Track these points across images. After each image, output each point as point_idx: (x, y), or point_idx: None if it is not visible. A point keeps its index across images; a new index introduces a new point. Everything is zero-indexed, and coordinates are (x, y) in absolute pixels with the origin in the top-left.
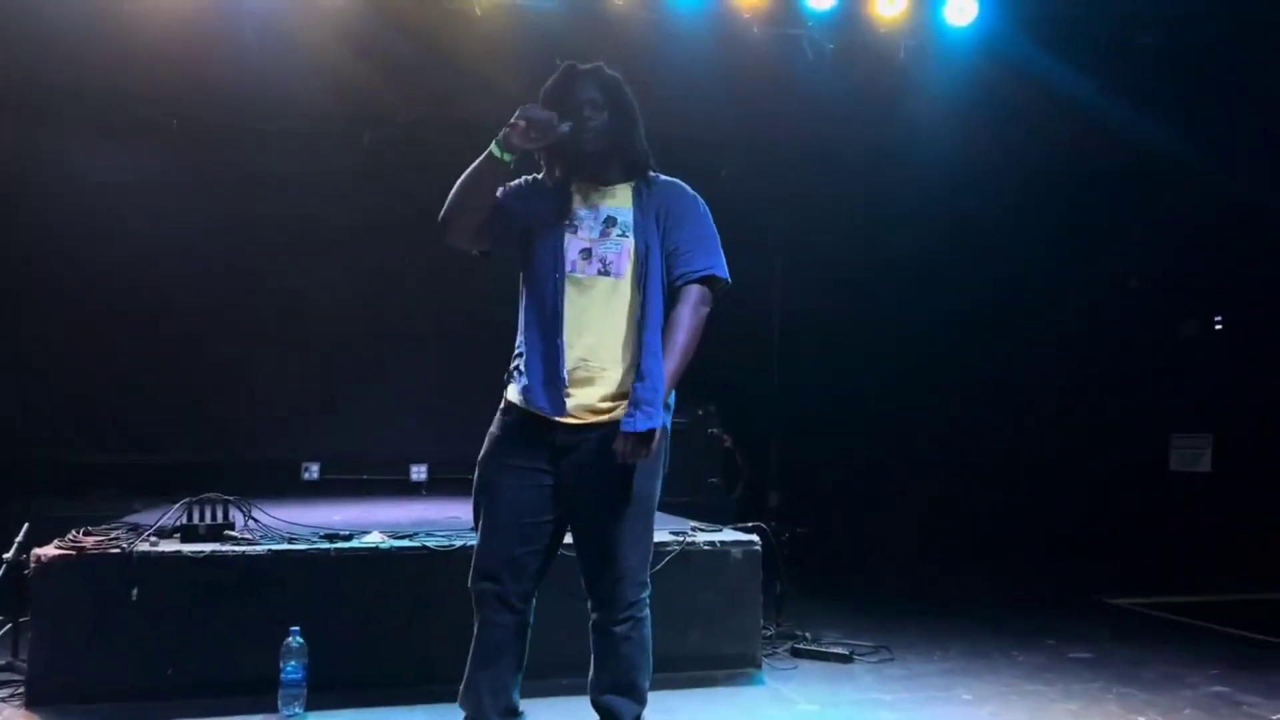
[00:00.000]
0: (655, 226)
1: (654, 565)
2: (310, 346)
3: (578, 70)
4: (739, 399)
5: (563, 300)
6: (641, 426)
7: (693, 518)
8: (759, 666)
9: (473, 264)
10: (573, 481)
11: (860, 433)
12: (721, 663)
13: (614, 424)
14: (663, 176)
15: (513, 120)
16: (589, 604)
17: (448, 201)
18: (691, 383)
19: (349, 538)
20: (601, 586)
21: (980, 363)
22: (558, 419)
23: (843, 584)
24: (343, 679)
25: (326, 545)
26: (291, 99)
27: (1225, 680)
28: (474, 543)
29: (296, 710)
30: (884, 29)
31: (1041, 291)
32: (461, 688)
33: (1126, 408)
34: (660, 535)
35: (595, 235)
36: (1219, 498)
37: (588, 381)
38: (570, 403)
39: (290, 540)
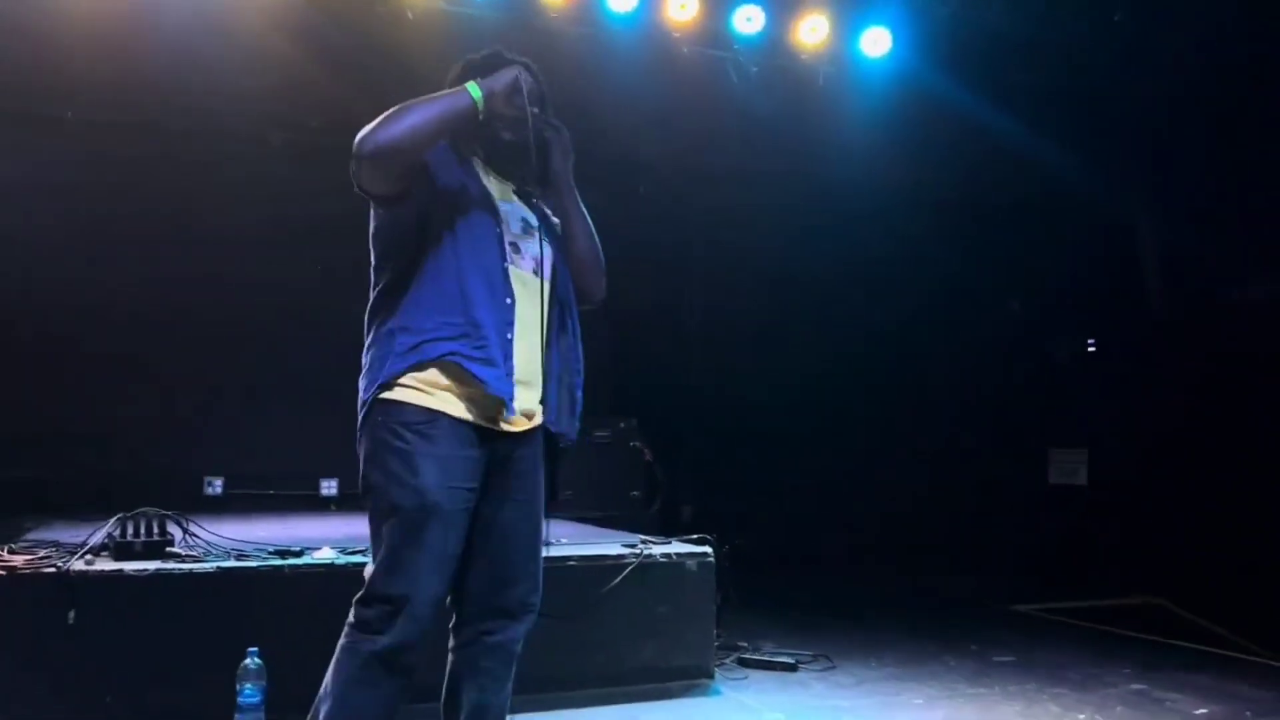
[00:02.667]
0: (554, 237)
1: (614, 579)
2: (212, 355)
3: (506, 59)
4: (655, 413)
5: (510, 289)
6: (573, 437)
7: (612, 531)
8: (712, 677)
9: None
10: (499, 494)
11: (770, 447)
12: (677, 674)
13: (535, 431)
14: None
15: (512, 78)
16: (469, 622)
17: (399, 127)
18: (612, 397)
19: (300, 554)
20: (512, 598)
21: (883, 380)
22: (501, 427)
23: (766, 594)
24: (302, 701)
25: (279, 562)
26: (204, 97)
27: (1140, 679)
28: None
29: None
30: (805, 56)
31: (938, 312)
32: None
33: (1010, 424)
34: (614, 549)
35: (518, 231)
36: (1095, 508)
37: (524, 386)
38: (517, 407)
39: (239, 557)
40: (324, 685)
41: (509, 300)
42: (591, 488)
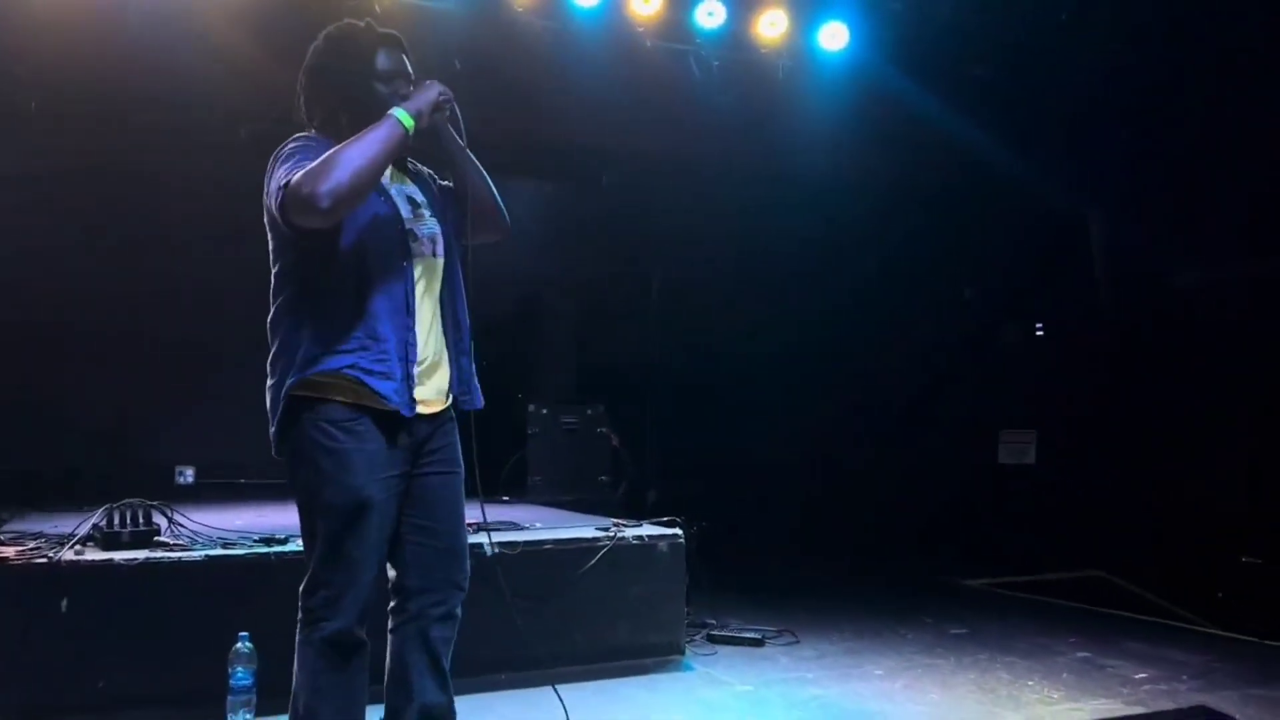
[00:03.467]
0: (442, 208)
1: (588, 561)
2: (181, 346)
3: (380, 33)
4: (620, 397)
5: (412, 285)
6: (480, 404)
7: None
8: (683, 653)
9: None
10: (427, 472)
11: (731, 431)
12: (649, 651)
13: (449, 407)
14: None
15: (435, 94)
16: (411, 596)
17: (342, 182)
18: (579, 382)
19: (285, 541)
20: (440, 573)
21: (842, 365)
22: (418, 413)
23: (730, 573)
24: (290, 684)
25: (265, 549)
26: (169, 91)
27: (1085, 648)
28: None
29: (247, 716)
30: (765, 49)
31: (893, 299)
32: (328, 711)
33: (961, 407)
34: (588, 532)
35: (409, 214)
36: (1043, 487)
37: (434, 368)
38: (423, 392)
39: (226, 546)
40: (294, 681)
41: (409, 302)
42: (560, 472)
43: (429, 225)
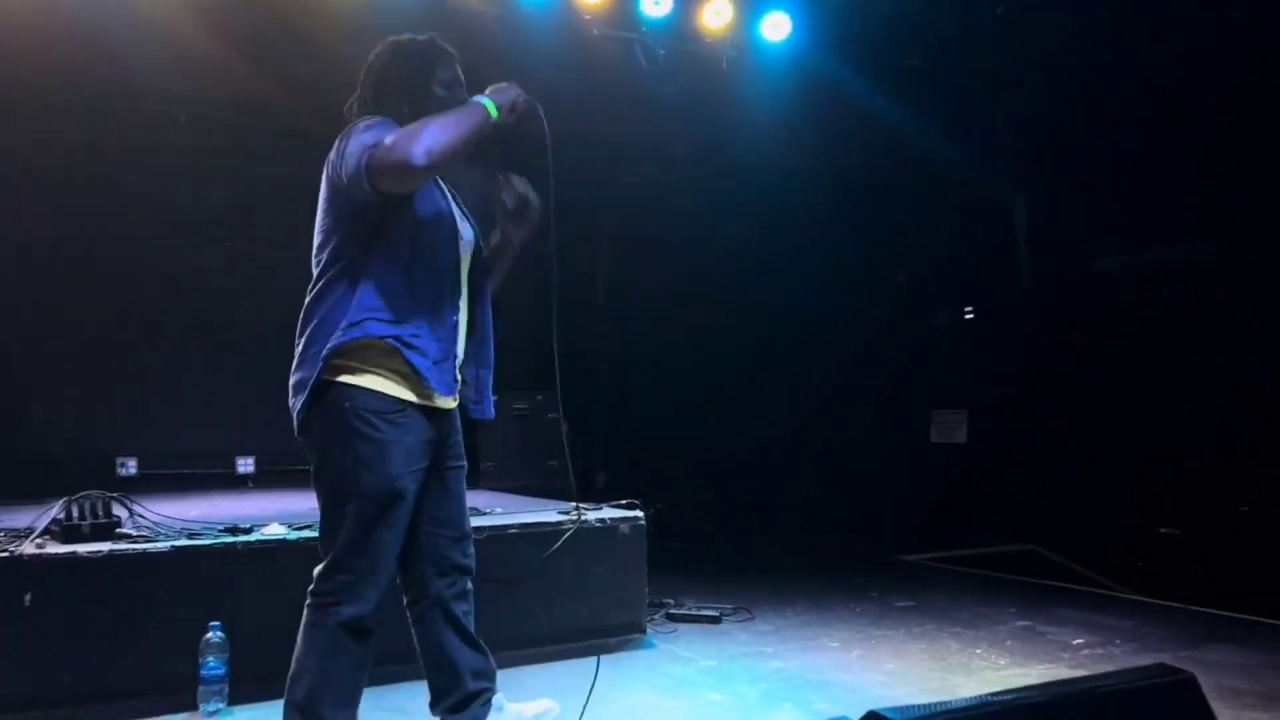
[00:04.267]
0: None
1: (553, 544)
2: (121, 334)
3: (443, 48)
4: (569, 382)
5: (458, 281)
6: (491, 415)
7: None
8: (644, 632)
9: (298, 247)
10: (445, 464)
11: (677, 415)
12: (612, 631)
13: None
14: None
15: (516, 95)
16: (430, 581)
17: (436, 144)
18: (531, 368)
19: (250, 530)
20: (461, 552)
21: (782, 349)
22: (446, 406)
23: (683, 554)
24: (262, 672)
25: (231, 539)
26: (114, 77)
27: (1023, 617)
28: None
29: (219, 705)
30: (710, 39)
31: (830, 284)
32: (332, 695)
33: (895, 388)
34: (551, 516)
35: (460, 215)
36: (973, 465)
37: (459, 366)
38: (456, 386)
39: (191, 536)
40: (296, 661)
41: (454, 296)
42: (511, 458)
43: (467, 231)
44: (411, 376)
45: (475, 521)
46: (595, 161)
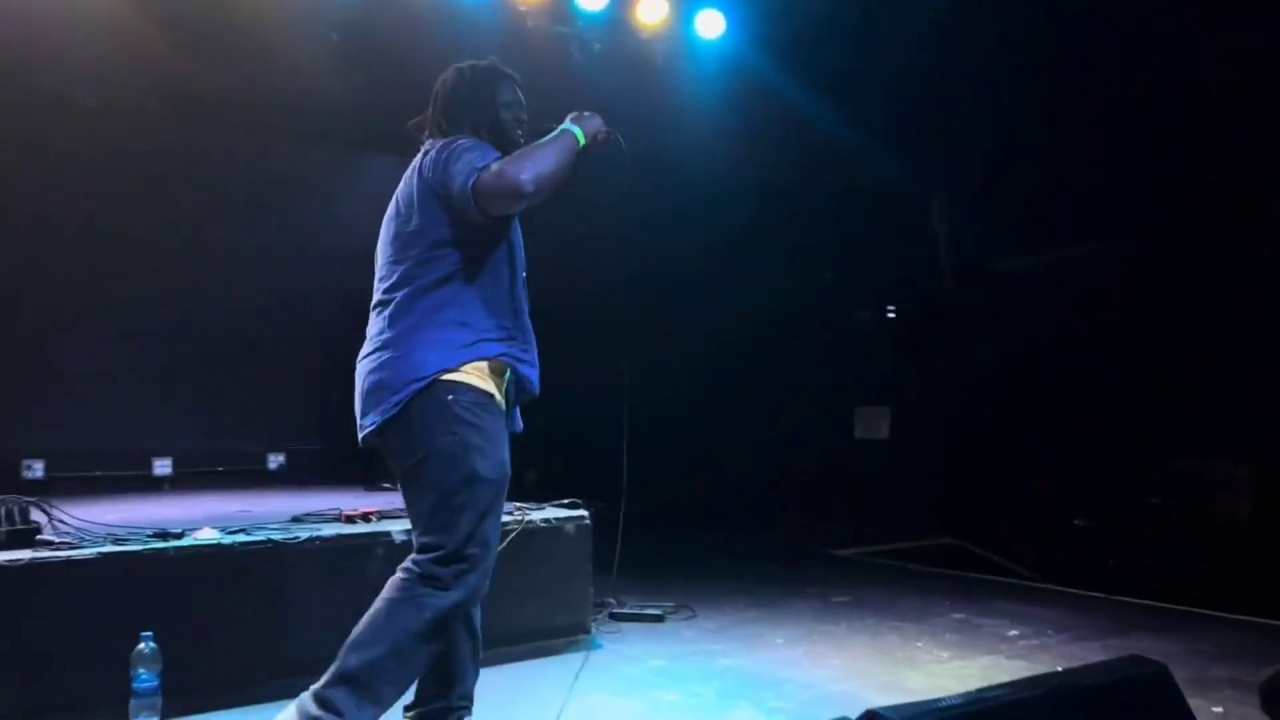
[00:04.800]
0: None
1: (499, 545)
2: (25, 331)
3: (504, 71)
4: None
5: (525, 290)
6: (518, 428)
7: None
8: (590, 632)
9: (210, 247)
10: None
11: (604, 411)
12: (558, 632)
13: None
14: None
15: (600, 124)
16: None
17: (544, 172)
18: None
19: (181, 535)
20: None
21: (710, 347)
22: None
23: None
24: (199, 683)
25: (162, 544)
26: (27, 60)
27: (958, 609)
28: (314, 534)
29: None
30: (645, 35)
31: (759, 281)
32: (396, 674)
33: (820, 385)
34: None
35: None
36: (896, 461)
37: None
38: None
39: (117, 541)
40: (370, 630)
41: (527, 304)
42: None
43: None
44: (504, 377)
45: None
46: None
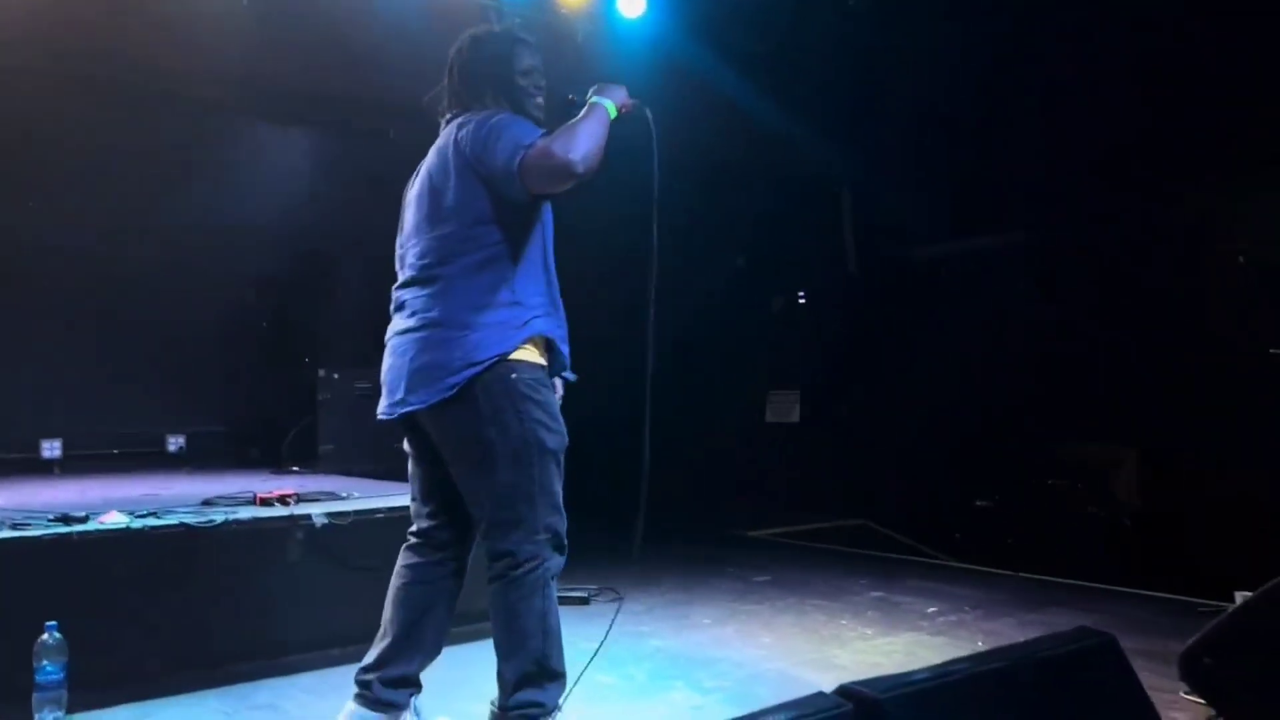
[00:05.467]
0: None
1: None
2: None
3: (521, 36)
4: None
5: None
6: None
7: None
8: None
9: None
10: None
11: None
12: (483, 616)
13: None
14: None
15: (632, 101)
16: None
17: (590, 150)
18: (375, 350)
19: (85, 519)
20: None
21: (623, 331)
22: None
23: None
24: (108, 674)
25: (65, 529)
26: None
27: (876, 588)
28: (230, 518)
29: (57, 714)
30: (565, 10)
31: (673, 265)
32: (557, 647)
33: (732, 369)
34: None
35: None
36: (809, 443)
37: None
38: None
39: (15, 526)
40: (509, 636)
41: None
42: (353, 441)
43: None
44: (550, 354)
45: (335, 506)
46: (435, 131)
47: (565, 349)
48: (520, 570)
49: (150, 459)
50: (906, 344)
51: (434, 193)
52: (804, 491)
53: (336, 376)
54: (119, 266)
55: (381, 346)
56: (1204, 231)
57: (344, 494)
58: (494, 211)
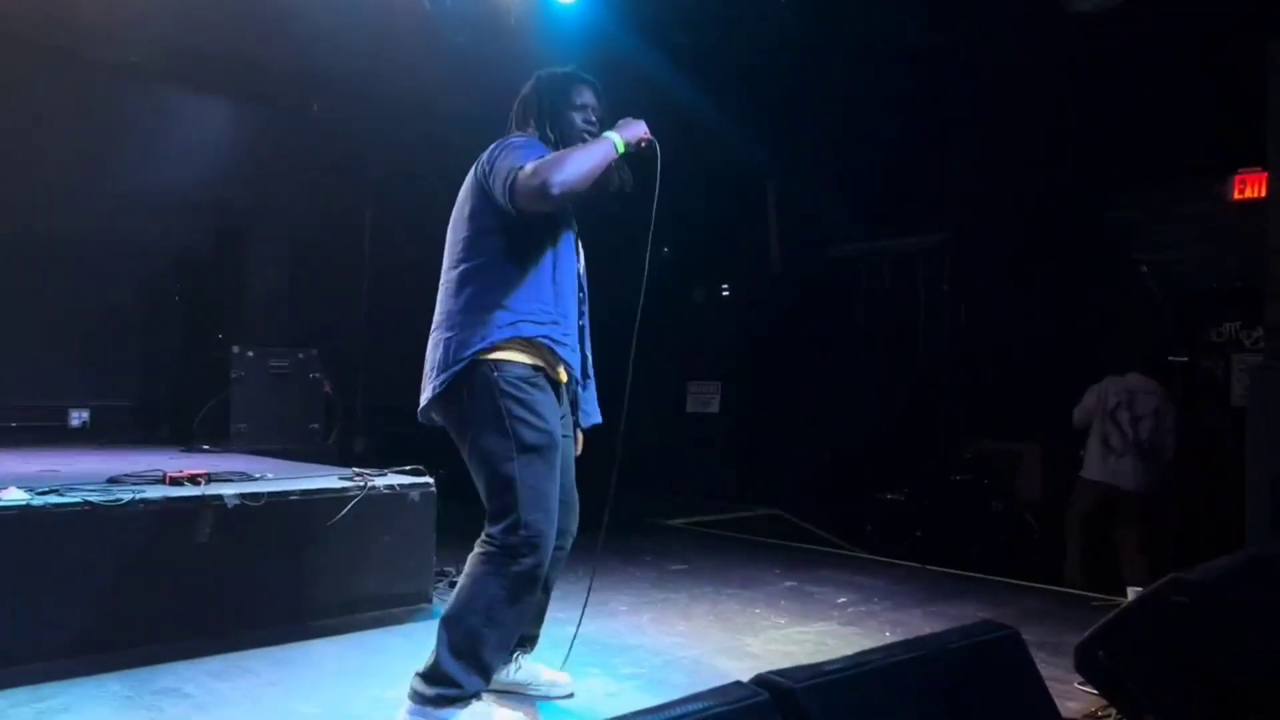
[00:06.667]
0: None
1: (338, 511)
2: None
3: (581, 76)
4: (331, 342)
5: (584, 288)
6: (593, 421)
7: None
8: (431, 601)
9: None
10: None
11: None
12: (398, 601)
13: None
14: None
15: (643, 132)
16: None
17: (570, 177)
18: (290, 325)
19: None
20: (568, 517)
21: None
22: (563, 378)
23: (453, 522)
24: (5, 655)
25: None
26: None
27: (788, 577)
28: (137, 497)
29: None
30: None
31: (596, 254)
32: (491, 662)
33: (654, 359)
34: (332, 482)
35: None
36: (727, 434)
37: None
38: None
39: None
40: (461, 605)
41: (581, 294)
42: (269, 420)
43: (577, 251)
44: (548, 356)
45: (248, 487)
46: (365, 107)
47: (571, 359)
48: (494, 552)
49: (51, 433)
50: (824, 339)
51: (459, 204)
52: (721, 481)
53: (251, 354)
54: (26, 234)
55: (297, 324)
56: (1114, 240)
57: (257, 474)
58: (497, 222)
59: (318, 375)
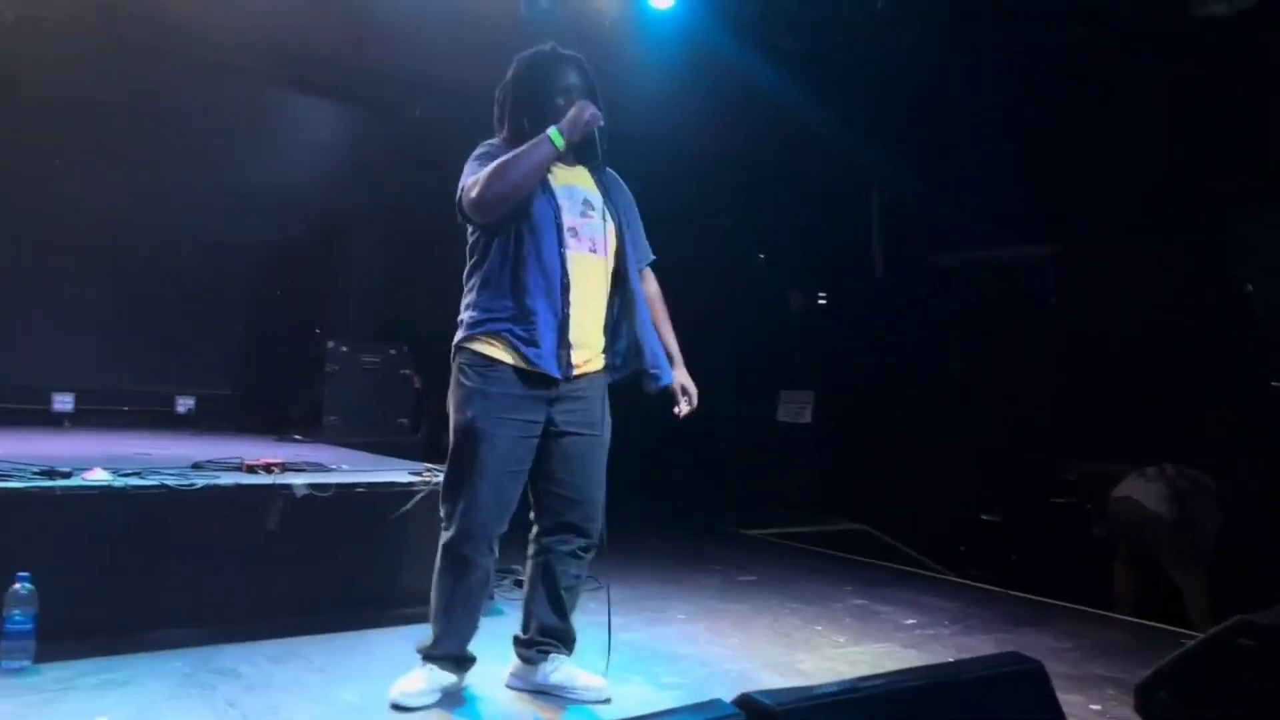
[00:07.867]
0: (616, 211)
1: (403, 505)
2: None
3: (561, 55)
4: (426, 341)
5: (568, 276)
6: (668, 379)
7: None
8: (492, 598)
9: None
10: (560, 425)
11: None
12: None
13: (593, 372)
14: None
15: (586, 116)
16: (545, 534)
17: (496, 186)
18: (384, 323)
19: (69, 474)
20: (578, 515)
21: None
22: (551, 374)
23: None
24: (76, 627)
25: (48, 483)
26: None
27: (859, 595)
28: (211, 483)
29: (24, 663)
30: None
31: (697, 260)
32: (438, 631)
33: (746, 366)
34: (401, 476)
35: (576, 216)
36: (818, 445)
37: (583, 346)
38: (572, 363)
39: (1, 477)
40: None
41: (564, 283)
42: (357, 414)
43: (595, 226)
44: (513, 351)
45: (319, 478)
46: (464, 110)
47: (530, 352)
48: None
49: (159, 418)
50: (922, 351)
51: None
52: (808, 493)
53: (345, 349)
54: (140, 227)
55: (392, 322)
56: (1238, 257)
57: (332, 465)
58: (477, 228)
59: (408, 372)
